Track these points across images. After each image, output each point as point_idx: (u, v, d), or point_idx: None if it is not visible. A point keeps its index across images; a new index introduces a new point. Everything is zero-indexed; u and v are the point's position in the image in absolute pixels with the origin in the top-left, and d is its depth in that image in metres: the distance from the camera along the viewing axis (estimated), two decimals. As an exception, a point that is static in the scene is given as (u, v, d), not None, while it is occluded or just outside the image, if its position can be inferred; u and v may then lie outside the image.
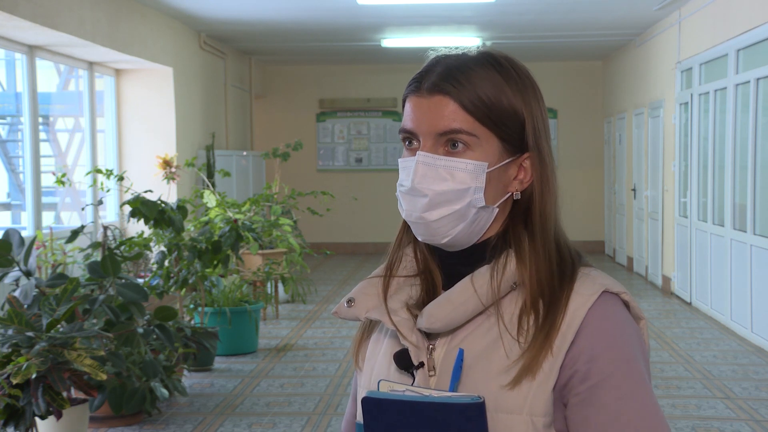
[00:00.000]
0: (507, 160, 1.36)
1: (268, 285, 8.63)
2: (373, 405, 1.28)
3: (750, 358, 7.22)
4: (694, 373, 6.78)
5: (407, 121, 1.37)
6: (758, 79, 7.65)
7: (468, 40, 11.84)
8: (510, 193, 1.37)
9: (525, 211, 1.38)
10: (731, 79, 8.28)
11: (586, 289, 1.33)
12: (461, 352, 1.32)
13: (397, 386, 1.32)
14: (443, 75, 1.35)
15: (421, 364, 1.34)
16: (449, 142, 1.33)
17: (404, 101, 1.40)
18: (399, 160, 1.38)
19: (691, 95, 9.49)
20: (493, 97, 1.33)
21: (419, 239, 1.39)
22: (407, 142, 1.38)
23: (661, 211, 10.80)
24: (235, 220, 7.37)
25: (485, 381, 1.31)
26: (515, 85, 1.35)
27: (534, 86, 1.39)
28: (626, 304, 1.36)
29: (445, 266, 1.42)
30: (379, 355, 1.44)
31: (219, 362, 7.23)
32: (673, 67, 10.22)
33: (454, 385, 1.31)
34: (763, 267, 7.49)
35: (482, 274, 1.35)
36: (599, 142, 14.98)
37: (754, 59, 7.90)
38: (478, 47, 1.41)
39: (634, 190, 12.25)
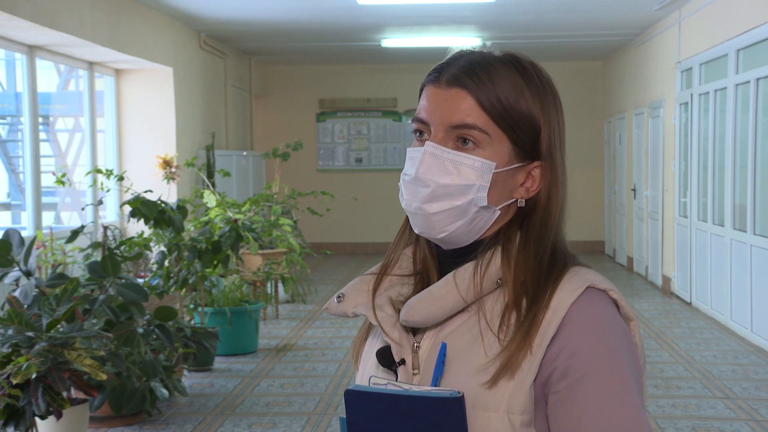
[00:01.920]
0: (516, 165, 1.33)
1: (268, 285, 8.63)
2: (354, 398, 1.27)
3: (750, 358, 7.22)
4: (694, 373, 6.78)
5: (421, 110, 1.34)
6: (758, 79, 7.65)
7: (468, 40, 11.83)
8: (514, 199, 1.35)
9: (525, 217, 1.35)
10: (731, 79, 8.28)
11: (571, 285, 1.29)
12: (444, 346, 1.29)
13: (380, 380, 1.30)
14: (464, 69, 1.32)
15: (402, 362, 1.32)
16: (460, 137, 1.31)
17: (421, 90, 1.37)
18: (408, 149, 1.36)
19: (691, 95, 9.49)
20: (512, 99, 1.31)
21: (416, 231, 1.36)
22: (418, 133, 1.35)
23: (661, 211, 10.80)
24: (235, 220, 7.37)
25: (464, 378, 1.28)
26: (536, 91, 1.33)
27: (555, 95, 1.36)
28: (615, 303, 1.31)
29: (443, 266, 1.39)
30: (371, 354, 1.42)
31: (219, 362, 7.23)
32: (673, 67, 10.22)
33: (437, 380, 1.29)
34: (763, 267, 7.49)
35: (466, 269, 1.32)
36: (599, 142, 14.98)
37: (754, 59, 7.90)
38: (494, 47, 1.39)
39: (634, 190, 12.25)
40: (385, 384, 1.29)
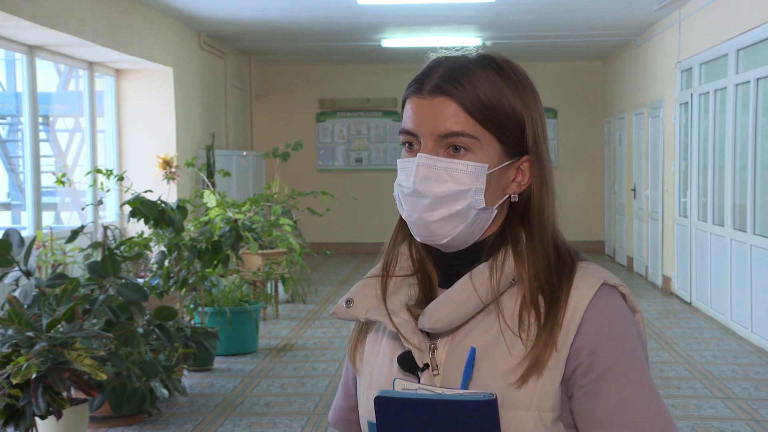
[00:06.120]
0: (506, 163, 1.36)
1: (268, 285, 8.63)
2: (385, 404, 1.30)
3: (750, 358, 7.22)
4: (694, 373, 6.78)
5: (408, 122, 1.37)
6: (758, 79, 7.64)
7: (468, 40, 11.84)
8: (508, 195, 1.38)
9: (522, 212, 1.39)
10: (731, 79, 8.28)
11: (585, 283, 1.35)
12: (473, 351, 1.33)
13: (410, 384, 1.33)
14: (445, 76, 1.35)
15: (426, 366, 1.35)
16: (450, 145, 1.34)
17: (404, 102, 1.40)
18: (398, 161, 1.39)
19: (691, 95, 9.49)
20: (494, 99, 1.34)
21: (418, 239, 1.39)
22: (407, 144, 1.38)
23: (661, 211, 10.80)
24: (235, 220, 7.37)
25: (491, 379, 1.32)
26: (515, 88, 1.36)
27: (533, 89, 1.40)
28: (623, 297, 1.38)
29: (443, 265, 1.42)
30: (378, 355, 1.44)
31: (219, 362, 7.23)
32: (673, 67, 10.22)
33: (466, 383, 1.32)
34: (763, 267, 7.49)
35: (481, 271, 1.36)
36: (599, 142, 14.98)
37: (754, 59, 7.90)
38: (477, 48, 1.42)
39: (634, 190, 12.25)
40: (416, 389, 1.33)
